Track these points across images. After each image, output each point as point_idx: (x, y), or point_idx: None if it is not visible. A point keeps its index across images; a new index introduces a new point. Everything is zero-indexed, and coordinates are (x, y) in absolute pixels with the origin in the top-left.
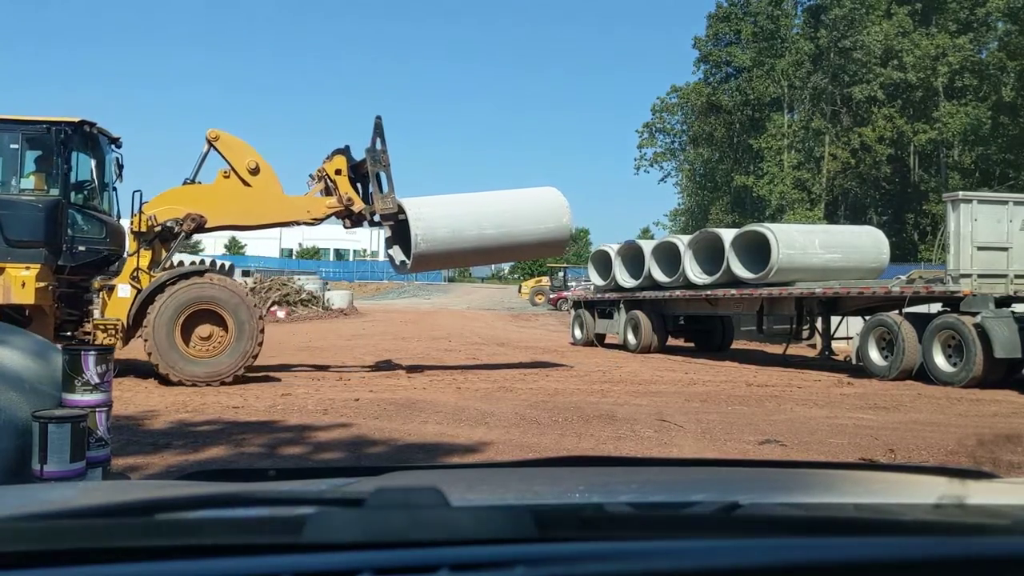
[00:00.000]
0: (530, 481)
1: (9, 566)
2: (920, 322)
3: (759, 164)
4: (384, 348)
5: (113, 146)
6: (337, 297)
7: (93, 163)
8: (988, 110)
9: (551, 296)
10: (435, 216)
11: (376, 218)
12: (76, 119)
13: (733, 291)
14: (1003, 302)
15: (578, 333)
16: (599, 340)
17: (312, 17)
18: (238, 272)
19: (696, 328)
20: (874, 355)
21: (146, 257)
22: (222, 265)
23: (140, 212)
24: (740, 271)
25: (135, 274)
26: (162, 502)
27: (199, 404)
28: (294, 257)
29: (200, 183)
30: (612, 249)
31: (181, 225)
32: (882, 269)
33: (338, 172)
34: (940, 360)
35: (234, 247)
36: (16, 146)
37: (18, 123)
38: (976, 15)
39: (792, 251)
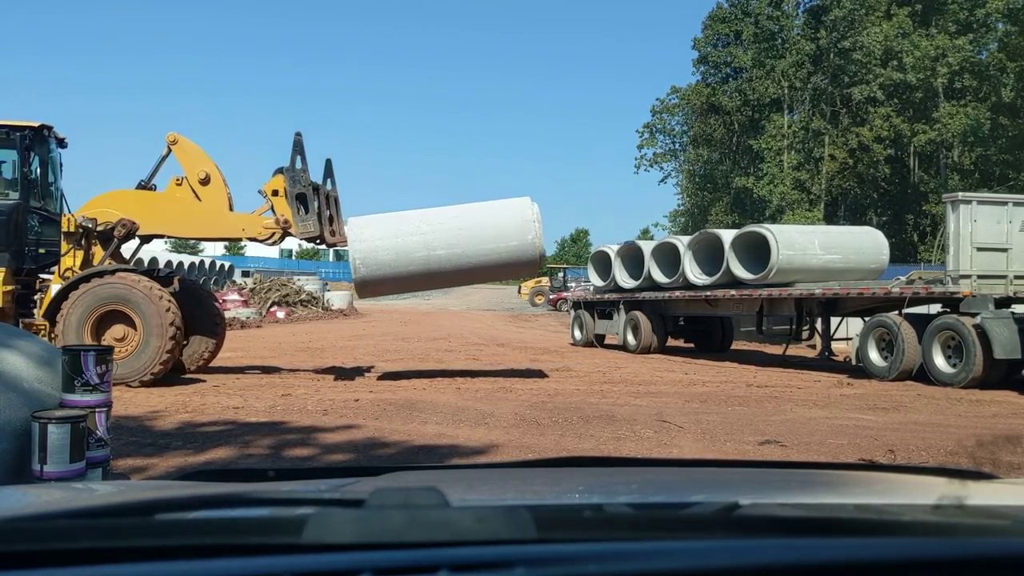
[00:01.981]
0: (530, 481)
1: (9, 566)
2: (920, 323)
3: (759, 165)
4: (384, 348)
5: (59, 147)
6: (337, 298)
7: (46, 165)
8: (988, 111)
9: (551, 297)
10: (378, 237)
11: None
12: (36, 123)
13: (733, 292)
14: (1003, 303)
15: (578, 334)
16: (599, 341)
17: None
18: (238, 272)
19: (696, 329)
20: (874, 356)
21: (77, 256)
22: (214, 264)
23: (68, 212)
24: (740, 272)
25: (65, 273)
26: (162, 502)
27: (199, 405)
28: (294, 258)
29: (154, 186)
30: (612, 250)
31: (112, 229)
32: (882, 270)
33: (275, 192)
34: (940, 361)
35: (233, 248)
36: None
37: None
38: (976, 16)
39: (792, 252)
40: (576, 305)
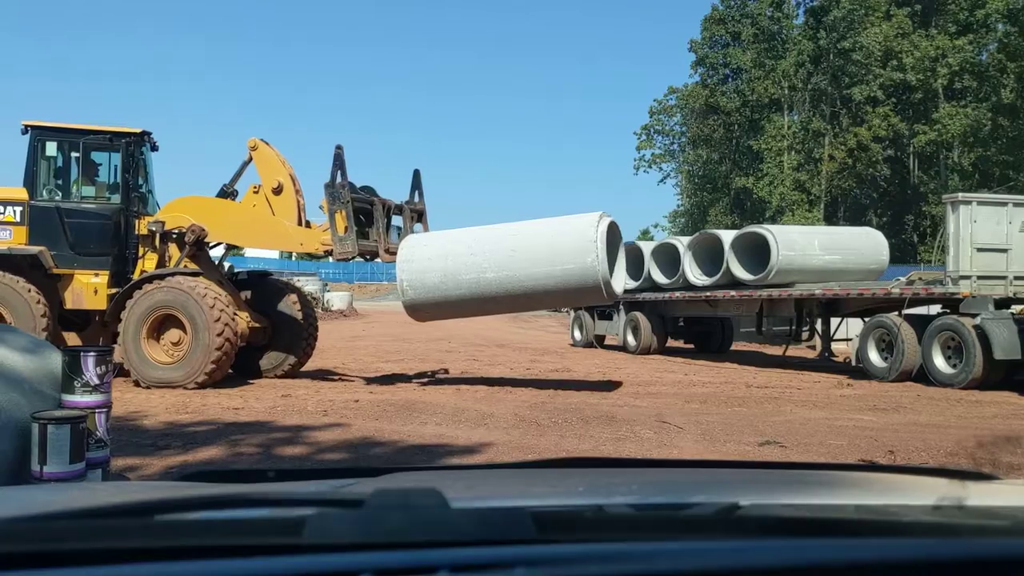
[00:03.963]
0: (530, 482)
1: (9, 566)
2: (920, 324)
3: (759, 165)
4: (385, 349)
5: (152, 151)
6: (337, 298)
7: (144, 170)
8: (988, 112)
9: None
10: (427, 257)
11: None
12: (138, 130)
13: (733, 292)
14: (1003, 303)
15: (578, 334)
16: (599, 341)
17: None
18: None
19: (696, 329)
20: (874, 356)
21: (152, 260)
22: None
23: (145, 216)
24: (740, 272)
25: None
26: (162, 503)
27: (199, 405)
28: (294, 258)
29: (235, 192)
30: None
31: (183, 235)
32: (881, 270)
33: (342, 211)
34: (940, 361)
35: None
36: (78, 155)
37: (82, 132)
38: (976, 17)
39: (792, 253)
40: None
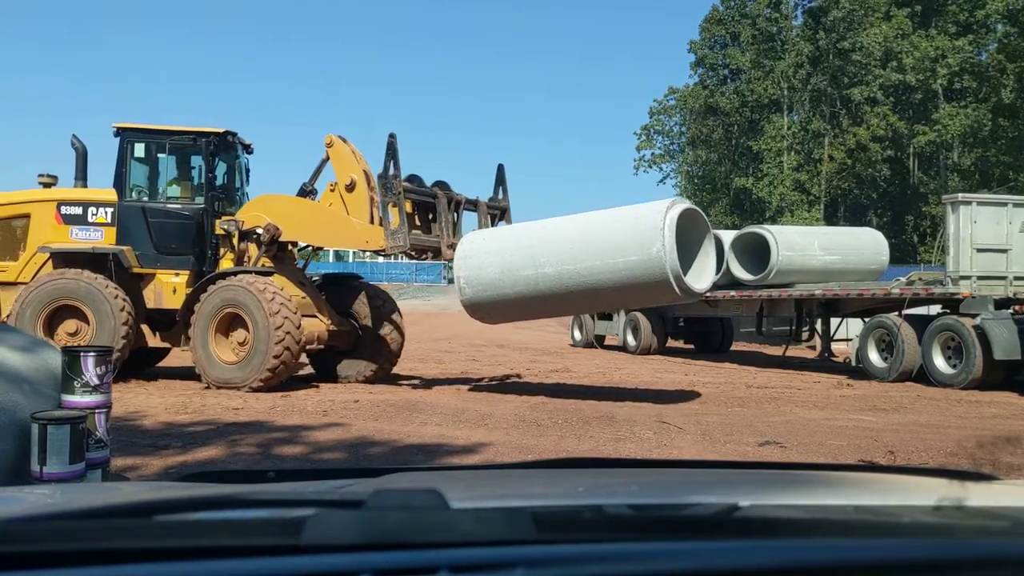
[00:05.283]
0: (530, 483)
1: (9, 567)
2: (920, 324)
3: (758, 166)
4: None
5: (244, 152)
6: None
7: (231, 171)
8: (988, 112)
9: None
10: (484, 252)
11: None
12: (221, 130)
13: (733, 293)
14: (1003, 304)
15: (578, 335)
16: (599, 342)
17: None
18: None
19: (696, 329)
20: (874, 357)
21: (229, 260)
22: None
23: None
24: (740, 273)
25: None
26: (161, 503)
27: (199, 405)
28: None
29: (314, 191)
30: None
31: (260, 234)
32: (882, 271)
33: (395, 204)
34: (940, 362)
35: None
36: (164, 155)
37: (165, 133)
38: (976, 17)
39: (792, 253)
40: None
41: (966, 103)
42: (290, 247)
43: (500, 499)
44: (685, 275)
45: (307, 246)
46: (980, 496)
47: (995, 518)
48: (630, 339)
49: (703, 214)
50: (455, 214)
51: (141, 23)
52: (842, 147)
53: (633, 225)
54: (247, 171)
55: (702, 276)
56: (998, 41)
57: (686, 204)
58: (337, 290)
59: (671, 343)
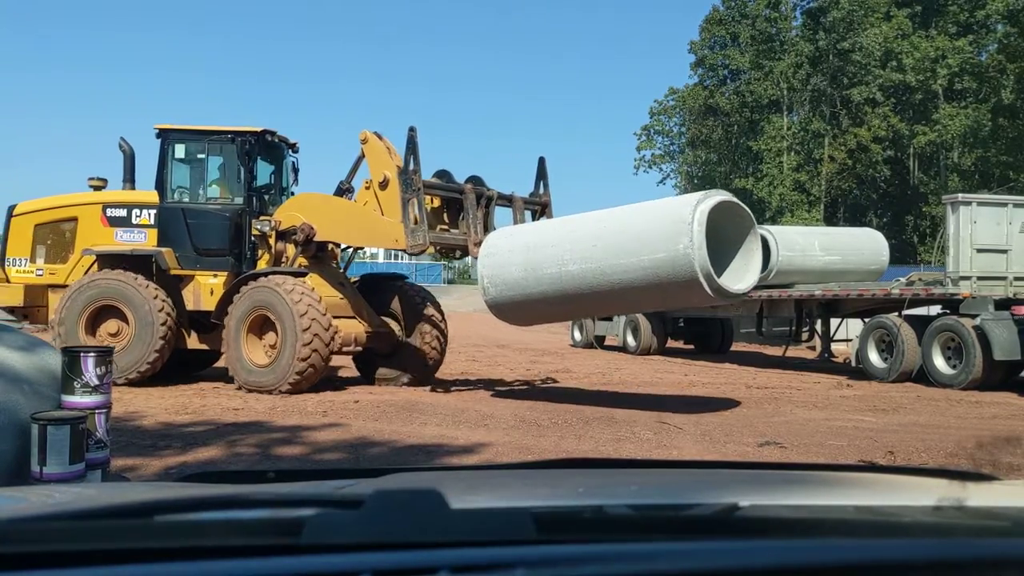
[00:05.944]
0: (530, 483)
1: (9, 567)
2: (920, 324)
3: (758, 166)
4: None
5: (290, 151)
6: None
7: (272, 170)
8: (987, 112)
9: None
10: (508, 249)
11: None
12: (259, 128)
13: None
14: (1002, 304)
15: (578, 335)
16: (599, 342)
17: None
18: None
19: (695, 330)
20: (873, 357)
21: (267, 260)
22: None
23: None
24: None
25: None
26: (161, 504)
27: (199, 406)
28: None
29: (351, 188)
30: None
31: (295, 234)
32: (881, 271)
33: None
34: (939, 362)
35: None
36: (203, 156)
37: (204, 133)
38: (976, 17)
39: (792, 253)
40: None
41: (966, 103)
42: (331, 247)
43: (500, 499)
44: (722, 274)
45: (348, 246)
46: (980, 496)
47: (995, 518)
48: (630, 340)
49: (745, 208)
50: (486, 210)
51: (188, 24)
52: (843, 148)
53: (660, 219)
54: (296, 170)
55: (744, 276)
56: (998, 41)
57: (722, 196)
58: (378, 291)
59: (671, 344)
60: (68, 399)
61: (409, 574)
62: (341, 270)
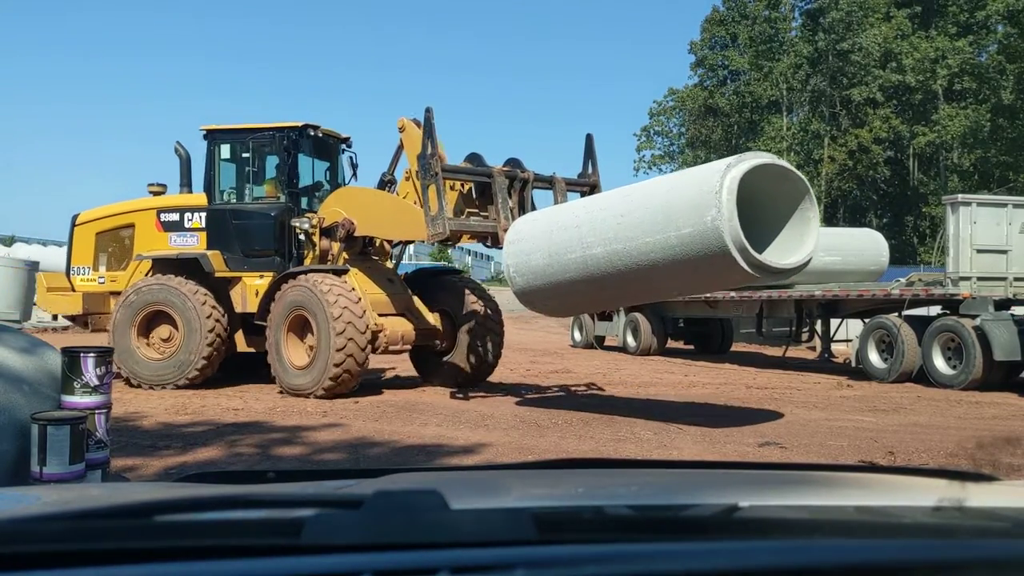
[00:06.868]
0: (530, 483)
1: (9, 567)
2: (920, 325)
3: None
4: None
5: (343, 145)
6: None
7: (327, 166)
8: (987, 113)
9: None
10: (533, 235)
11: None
12: (299, 123)
13: (732, 293)
14: (1002, 305)
15: (577, 335)
16: (599, 342)
17: None
18: None
19: (695, 330)
20: (873, 357)
21: (312, 256)
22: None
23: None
24: None
25: None
26: (161, 504)
27: (199, 406)
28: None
29: (393, 180)
30: None
31: (337, 230)
32: (881, 272)
33: (452, 188)
34: (940, 363)
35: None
36: (247, 155)
37: (246, 132)
38: (976, 18)
39: None
40: None
41: (966, 104)
42: (380, 242)
43: (500, 500)
44: (765, 248)
45: (399, 241)
46: (980, 497)
47: (995, 519)
48: (630, 340)
49: (793, 169)
50: (521, 195)
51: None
52: (843, 148)
53: (687, 191)
54: (355, 166)
55: (798, 248)
56: (998, 42)
57: (759, 159)
58: (431, 287)
59: (671, 344)
60: (68, 399)
61: (409, 574)
62: (392, 266)
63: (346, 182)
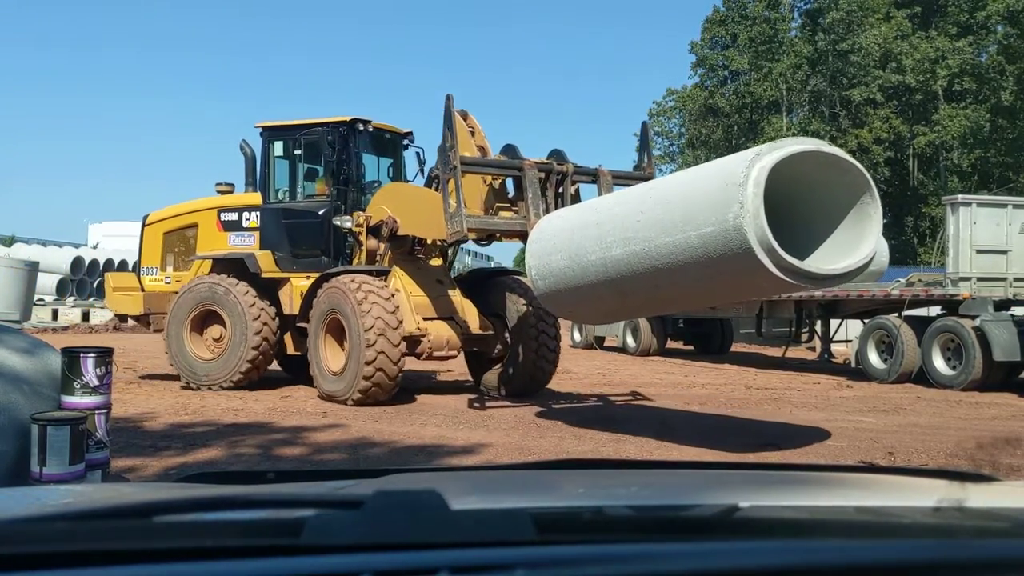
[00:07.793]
0: (529, 484)
1: (9, 567)
2: (919, 325)
3: None
4: None
5: (407, 141)
6: None
7: (390, 163)
8: (987, 113)
9: None
10: (553, 234)
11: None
12: (348, 118)
13: None
14: (1002, 305)
15: (577, 336)
16: (599, 343)
17: None
18: None
19: (695, 331)
20: (873, 358)
21: (359, 256)
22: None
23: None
24: None
25: None
26: (161, 504)
27: (199, 407)
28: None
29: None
30: None
31: (381, 228)
32: (881, 272)
33: (485, 182)
34: (939, 363)
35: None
36: (298, 151)
37: (297, 128)
38: (976, 18)
39: None
40: None
41: (966, 104)
42: (432, 240)
43: (500, 500)
44: (814, 251)
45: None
46: (980, 497)
47: (995, 519)
48: (629, 340)
49: (848, 158)
50: (558, 190)
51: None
52: (843, 148)
53: (709, 184)
54: (422, 161)
55: (853, 249)
56: (998, 42)
57: (798, 146)
58: (485, 289)
59: (671, 344)
60: (68, 399)
61: (409, 574)
62: (444, 266)
63: (412, 178)
